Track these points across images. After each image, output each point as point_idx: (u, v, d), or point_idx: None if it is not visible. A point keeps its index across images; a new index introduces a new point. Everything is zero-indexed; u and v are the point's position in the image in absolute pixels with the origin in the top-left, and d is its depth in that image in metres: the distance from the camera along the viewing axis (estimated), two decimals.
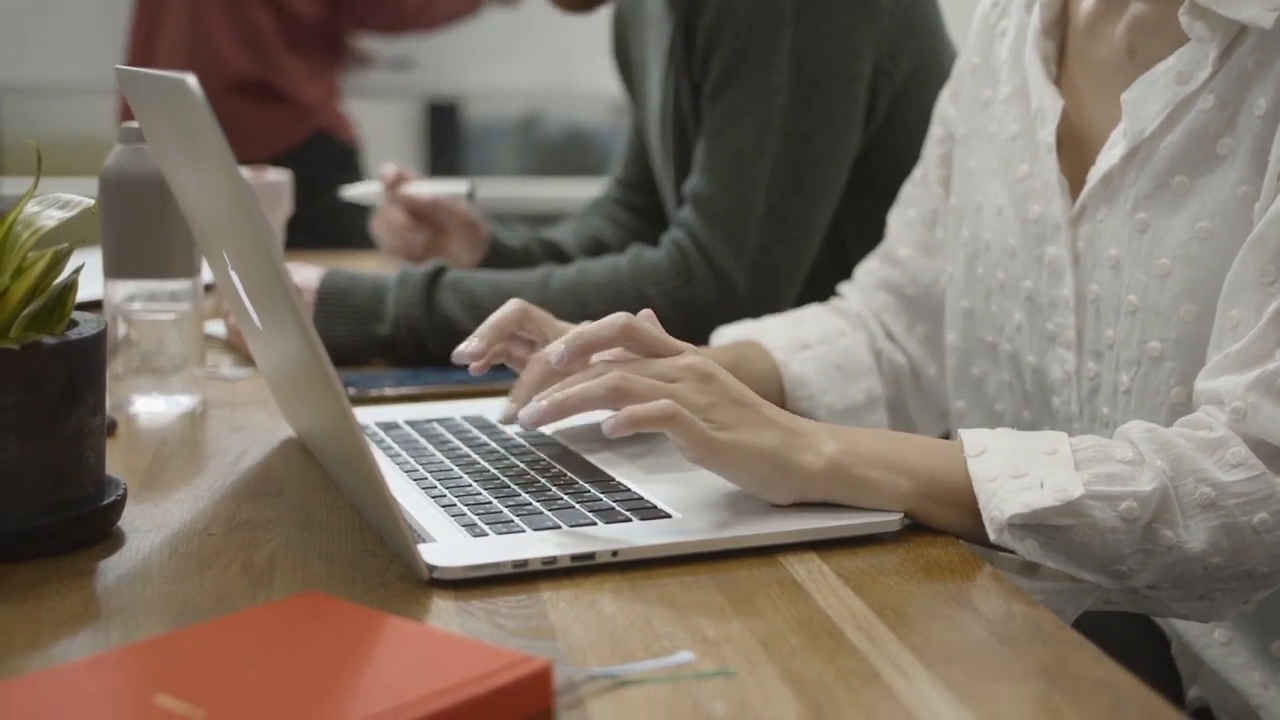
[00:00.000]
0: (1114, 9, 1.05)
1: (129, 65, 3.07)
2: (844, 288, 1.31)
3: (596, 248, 1.67)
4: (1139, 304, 1.00)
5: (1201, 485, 0.87)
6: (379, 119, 3.41)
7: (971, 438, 0.90)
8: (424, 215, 1.64)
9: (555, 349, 0.92)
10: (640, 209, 1.75)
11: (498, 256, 1.62)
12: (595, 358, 0.92)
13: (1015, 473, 0.86)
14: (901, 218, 1.27)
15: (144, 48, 3.07)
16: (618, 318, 0.91)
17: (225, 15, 2.96)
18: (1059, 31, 1.10)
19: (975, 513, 0.87)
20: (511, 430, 1.08)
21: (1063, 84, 1.09)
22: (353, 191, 1.69)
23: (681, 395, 0.87)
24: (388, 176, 1.66)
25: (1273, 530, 0.87)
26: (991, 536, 0.86)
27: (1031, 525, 0.85)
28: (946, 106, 1.24)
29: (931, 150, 1.25)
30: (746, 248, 1.39)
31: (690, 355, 0.90)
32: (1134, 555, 0.87)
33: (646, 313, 0.96)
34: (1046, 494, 0.85)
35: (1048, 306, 1.08)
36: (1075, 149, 1.07)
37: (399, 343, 1.33)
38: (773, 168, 1.38)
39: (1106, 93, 1.05)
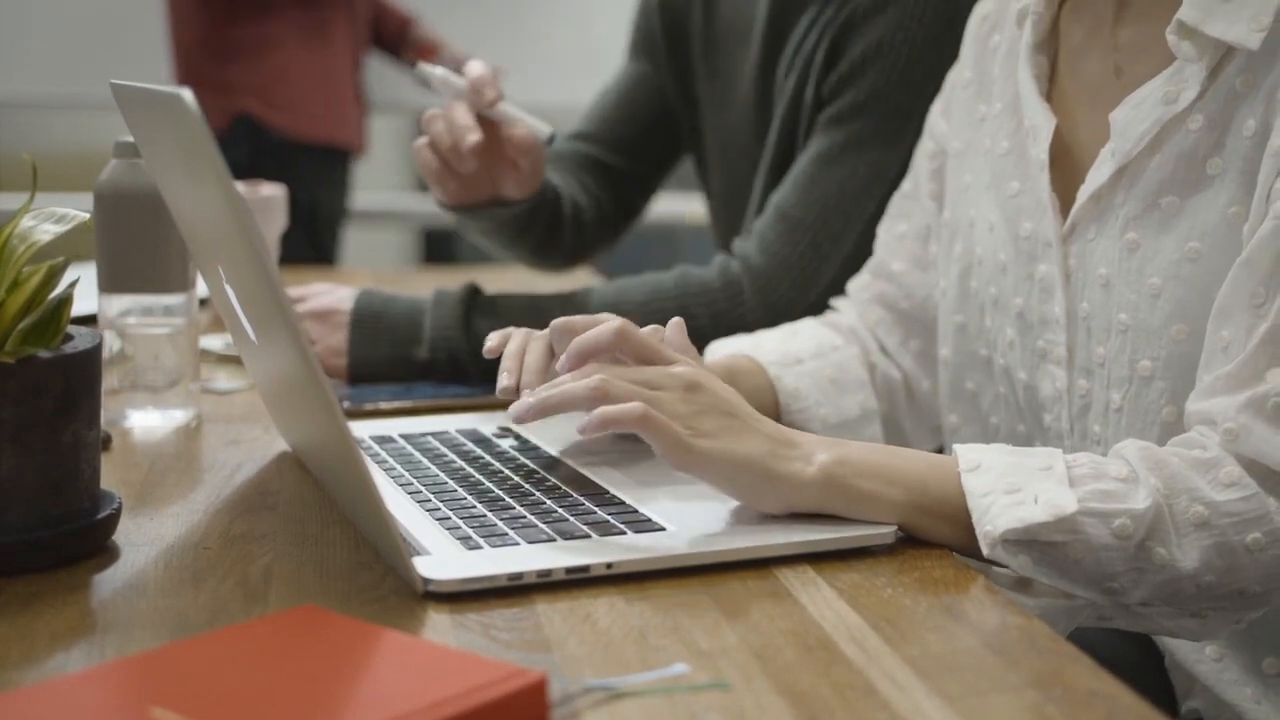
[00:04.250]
0: (1102, 28, 1.06)
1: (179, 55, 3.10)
2: (838, 302, 1.31)
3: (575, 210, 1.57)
4: (1130, 323, 1.00)
5: (1195, 504, 0.87)
6: (372, 131, 3.42)
7: (966, 453, 0.90)
8: (492, 141, 1.37)
9: (560, 361, 0.94)
10: (611, 171, 1.64)
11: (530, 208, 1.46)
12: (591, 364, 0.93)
13: (1009, 488, 0.87)
14: (892, 231, 1.27)
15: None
16: (612, 323, 0.94)
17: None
18: (1050, 48, 1.11)
19: (968, 527, 0.88)
20: (506, 444, 1.08)
21: (1054, 101, 1.09)
22: (429, 69, 1.36)
23: (662, 402, 0.89)
24: (481, 78, 1.34)
25: (1266, 549, 0.87)
26: (985, 551, 0.86)
27: (1025, 540, 0.86)
28: (938, 121, 1.24)
29: (922, 164, 1.25)
30: (818, 282, 1.36)
31: (681, 365, 0.92)
32: (1127, 573, 0.87)
33: (676, 321, 1.00)
34: (1040, 509, 0.85)
35: (1038, 324, 1.08)
36: (1066, 166, 1.07)
37: (437, 365, 1.32)
38: (873, 214, 1.34)
39: (1096, 111, 1.05)
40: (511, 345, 1.03)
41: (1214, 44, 0.95)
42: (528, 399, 0.91)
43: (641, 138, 1.64)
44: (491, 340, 1.05)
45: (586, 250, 1.61)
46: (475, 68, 1.34)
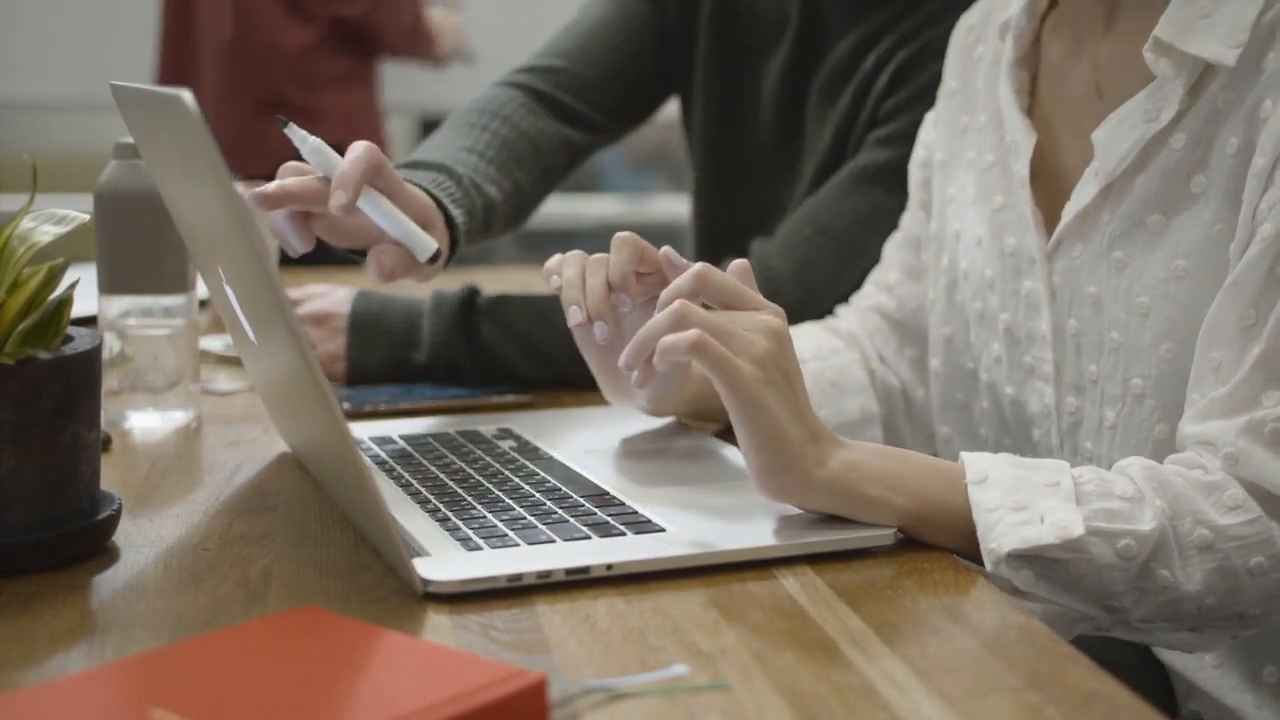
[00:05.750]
0: (1082, 47, 1.06)
1: (162, 67, 3.11)
2: (840, 309, 1.31)
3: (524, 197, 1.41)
4: (1121, 341, 1.00)
5: (1200, 527, 0.87)
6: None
7: (973, 463, 0.90)
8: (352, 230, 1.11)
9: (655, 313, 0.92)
10: (593, 112, 1.51)
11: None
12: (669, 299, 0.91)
13: (1016, 505, 0.86)
14: (894, 241, 1.27)
15: (175, 66, 3.12)
16: (692, 268, 0.91)
17: (236, 29, 3.02)
18: (1032, 63, 1.11)
19: (972, 537, 0.87)
20: (506, 445, 1.08)
21: (1035, 116, 1.09)
22: (301, 135, 1.06)
23: (736, 337, 0.86)
24: (344, 175, 1.04)
25: (1268, 573, 0.88)
26: (988, 567, 0.86)
27: (1028, 556, 0.85)
28: (929, 129, 1.24)
29: (915, 174, 1.25)
30: (833, 291, 1.35)
31: (769, 312, 0.90)
32: (1129, 592, 0.87)
33: (741, 263, 0.95)
34: (1047, 530, 0.85)
35: (1025, 340, 1.08)
36: (1049, 182, 1.07)
37: (436, 369, 1.31)
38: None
39: (1078, 130, 1.05)
40: (569, 274, 1.01)
41: (1191, 61, 0.95)
42: (626, 351, 0.90)
43: (643, 78, 1.56)
44: (552, 280, 1.03)
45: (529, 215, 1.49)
46: (353, 151, 1.06)
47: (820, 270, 1.36)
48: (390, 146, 3.32)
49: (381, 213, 1.07)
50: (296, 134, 1.06)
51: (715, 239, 1.61)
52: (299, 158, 1.07)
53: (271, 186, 1.04)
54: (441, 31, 3.30)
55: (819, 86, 1.46)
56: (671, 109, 1.65)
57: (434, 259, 1.08)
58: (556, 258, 1.03)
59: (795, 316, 1.32)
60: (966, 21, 1.21)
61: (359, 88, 3.14)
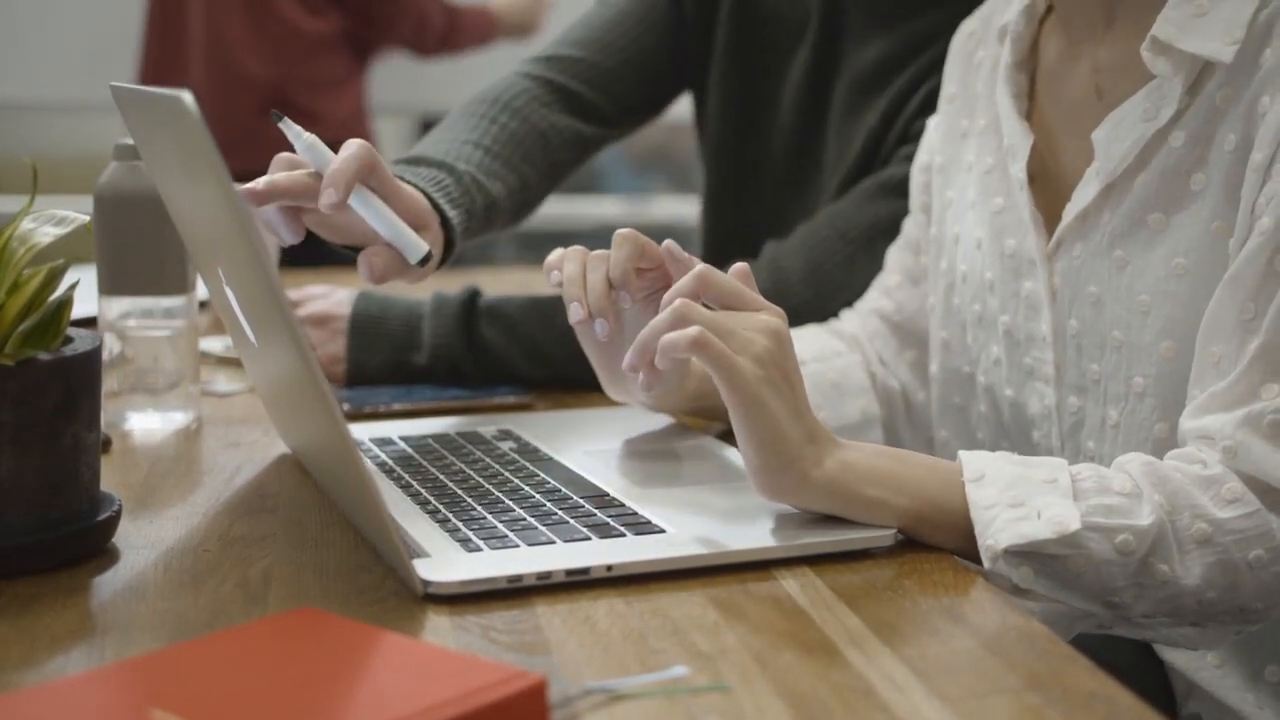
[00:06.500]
0: (1081, 50, 1.06)
1: (146, 76, 3.11)
2: (844, 312, 1.31)
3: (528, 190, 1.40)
4: (1123, 340, 1.00)
5: (1198, 521, 0.87)
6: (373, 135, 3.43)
7: (971, 461, 0.90)
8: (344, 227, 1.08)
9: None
10: (605, 105, 1.49)
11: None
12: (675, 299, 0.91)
13: (1013, 501, 0.86)
14: (896, 244, 1.28)
15: (161, 59, 3.12)
16: (694, 270, 0.91)
17: (245, 22, 3.02)
18: (1030, 66, 1.11)
19: (971, 537, 0.87)
20: (505, 446, 1.08)
21: (1034, 119, 1.09)
22: (296, 131, 1.05)
23: (735, 335, 0.87)
24: (335, 173, 1.01)
25: (1267, 567, 0.88)
26: (986, 564, 0.86)
27: (1026, 553, 0.86)
28: (930, 135, 1.24)
29: (916, 177, 1.25)
30: (842, 296, 1.33)
31: (769, 314, 0.90)
32: (1128, 588, 0.87)
33: (741, 266, 0.95)
34: (1043, 525, 0.85)
35: (1025, 341, 1.08)
36: (1048, 184, 1.07)
37: (436, 371, 1.30)
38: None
39: (1078, 131, 1.05)
40: (570, 270, 1.01)
41: (1190, 59, 0.96)
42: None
43: (659, 72, 1.54)
44: (553, 276, 1.03)
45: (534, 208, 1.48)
46: (346, 149, 1.03)
47: (833, 274, 1.36)
48: (380, 147, 3.31)
49: (373, 212, 1.05)
50: (291, 129, 1.04)
51: (724, 239, 1.60)
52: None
53: (261, 182, 1.02)
54: (526, 10, 3.27)
55: (843, 94, 1.45)
56: (675, 108, 1.65)
57: (424, 261, 1.06)
58: (557, 252, 1.03)
59: (804, 318, 1.32)
60: (968, 27, 1.21)
61: (354, 91, 3.14)
